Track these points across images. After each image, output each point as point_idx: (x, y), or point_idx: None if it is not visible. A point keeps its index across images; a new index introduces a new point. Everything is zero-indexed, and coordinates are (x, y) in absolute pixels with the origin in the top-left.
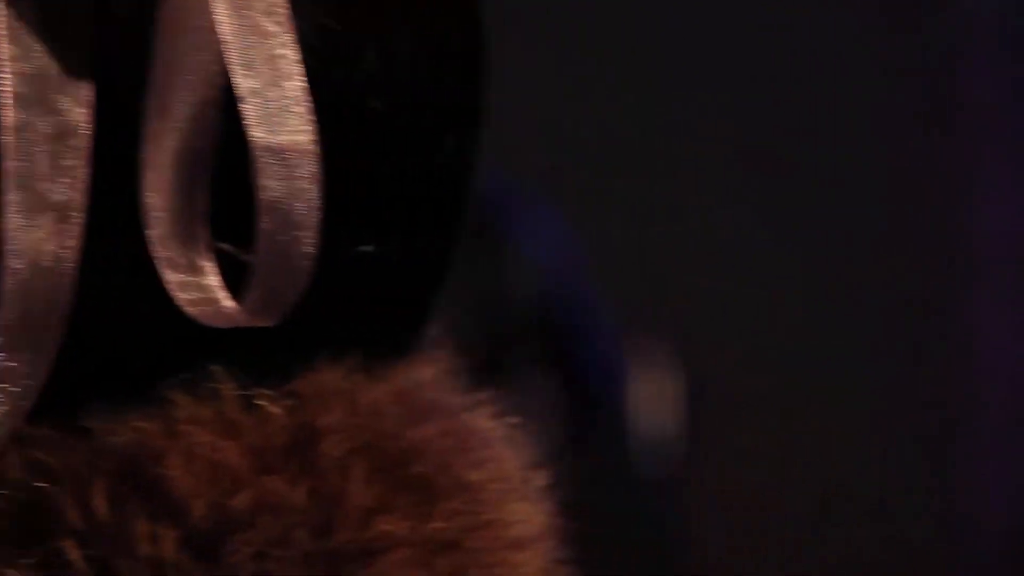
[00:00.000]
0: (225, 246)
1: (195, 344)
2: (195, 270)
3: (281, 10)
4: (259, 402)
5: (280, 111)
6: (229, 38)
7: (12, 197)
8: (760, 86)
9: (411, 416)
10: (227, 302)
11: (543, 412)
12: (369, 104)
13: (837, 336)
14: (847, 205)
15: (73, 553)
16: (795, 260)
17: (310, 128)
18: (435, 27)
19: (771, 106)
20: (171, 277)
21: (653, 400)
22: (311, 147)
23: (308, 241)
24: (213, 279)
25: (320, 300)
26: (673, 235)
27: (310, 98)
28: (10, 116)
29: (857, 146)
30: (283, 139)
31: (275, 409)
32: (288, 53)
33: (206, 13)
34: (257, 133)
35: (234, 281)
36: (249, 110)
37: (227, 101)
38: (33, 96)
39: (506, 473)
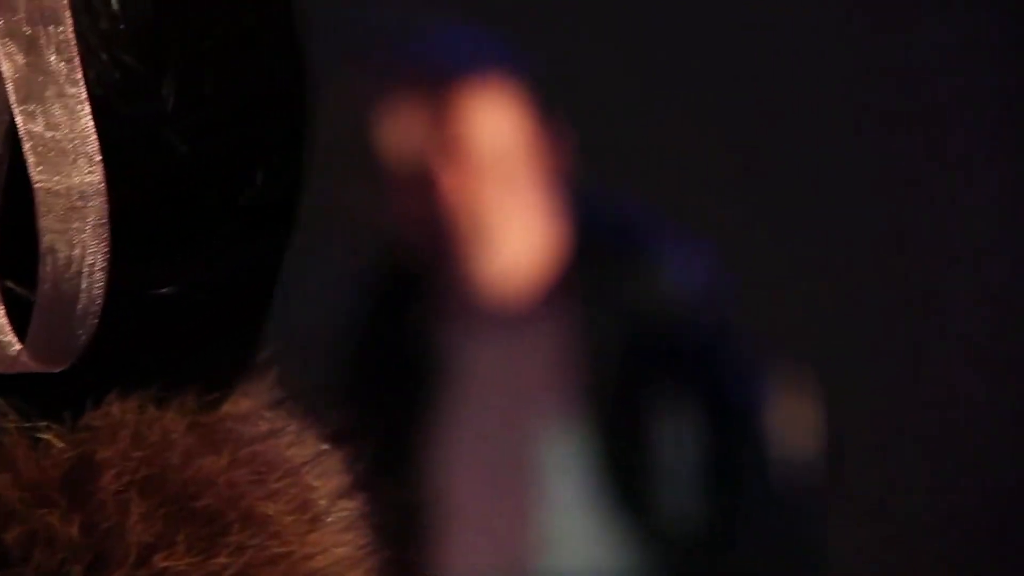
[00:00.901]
0: (12, 285)
1: None
2: None
3: (71, 46)
4: (42, 435)
5: (65, 153)
6: (12, 74)
7: None
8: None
9: (202, 447)
10: (14, 345)
11: (681, 430)
12: (171, 142)
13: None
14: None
15: None
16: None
17: (97, 170)
18: (243, 59)
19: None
20: None
21: (793, 420)
22: (98, 189)
23: (95, 286)
24: None
25: (122, 337)
26: (813, 261)
27: (97, 139)
28: None
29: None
30: (70, 182)
31: (58, 443)
32: (77, 91)
33: None
34: (39, 176)
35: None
36: (31, 151)
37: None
38: None
39: (307, 503)
